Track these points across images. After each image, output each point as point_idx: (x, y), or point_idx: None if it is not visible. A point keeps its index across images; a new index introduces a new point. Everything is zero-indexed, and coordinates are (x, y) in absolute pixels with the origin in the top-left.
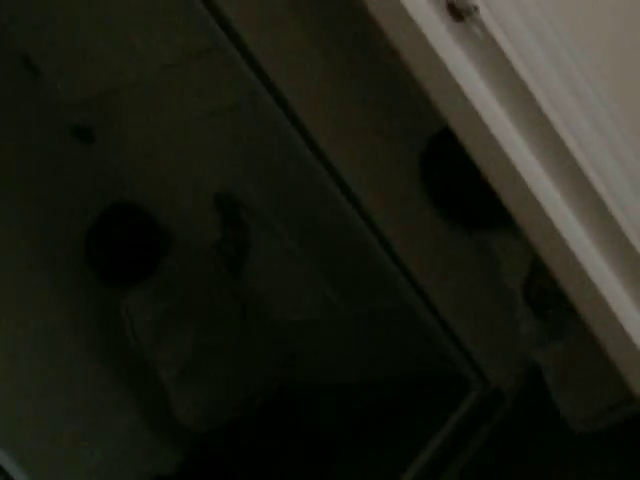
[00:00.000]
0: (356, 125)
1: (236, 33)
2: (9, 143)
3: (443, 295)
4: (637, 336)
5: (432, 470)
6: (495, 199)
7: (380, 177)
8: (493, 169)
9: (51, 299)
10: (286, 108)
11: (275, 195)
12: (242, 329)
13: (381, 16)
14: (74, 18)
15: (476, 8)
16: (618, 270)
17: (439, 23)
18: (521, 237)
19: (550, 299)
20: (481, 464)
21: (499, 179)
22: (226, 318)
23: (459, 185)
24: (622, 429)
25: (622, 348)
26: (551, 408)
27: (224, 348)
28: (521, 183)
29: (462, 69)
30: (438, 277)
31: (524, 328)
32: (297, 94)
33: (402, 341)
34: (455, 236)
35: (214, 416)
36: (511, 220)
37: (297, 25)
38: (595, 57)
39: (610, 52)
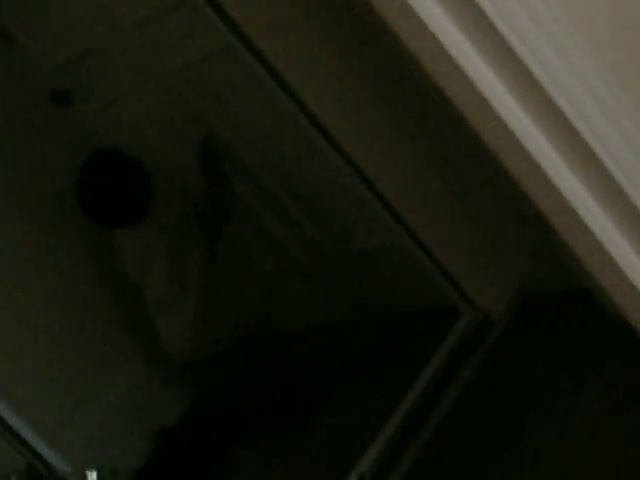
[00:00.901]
0: (334, 69)
1: None
2: None
3: (427, 228)
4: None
5: (426, 400)
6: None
7: (359, 118)
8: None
9: (50, 253)
10: (260, 56)
11: (257, 142)
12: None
13: None
14: None
15: None
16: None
17: None
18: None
19: None
20: (474, 391)
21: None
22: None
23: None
24: None
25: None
26: (541, 333)
27: (196, 285)
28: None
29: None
30: (421, 211)
31: None
32: (271, 42)
33: (390, 278)
34: (435, 170)
35: (194, 346)
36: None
37: None
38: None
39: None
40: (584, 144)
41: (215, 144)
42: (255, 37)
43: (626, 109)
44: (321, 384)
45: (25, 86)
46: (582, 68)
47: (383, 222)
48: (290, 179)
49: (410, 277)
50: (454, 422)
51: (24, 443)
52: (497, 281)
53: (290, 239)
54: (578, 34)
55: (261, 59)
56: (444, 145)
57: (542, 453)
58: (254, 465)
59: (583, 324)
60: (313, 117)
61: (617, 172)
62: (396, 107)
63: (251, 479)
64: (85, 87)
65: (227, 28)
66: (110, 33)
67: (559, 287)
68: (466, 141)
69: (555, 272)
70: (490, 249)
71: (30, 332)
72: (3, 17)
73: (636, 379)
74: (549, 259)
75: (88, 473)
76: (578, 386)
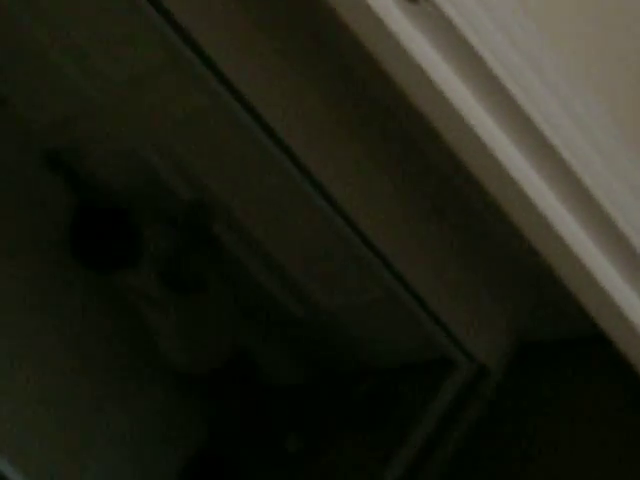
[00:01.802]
0: (329, 123)
1: (196, 43)
2: None
3: (422, 280)
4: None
5: (424, 451)
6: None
7: (352, 172)
8: (457, 142)
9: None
10: (249, 109)
11: (249, 199)
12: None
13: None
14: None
15: None
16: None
17: (394, 6)
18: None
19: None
20: (472, 442)
21: (460, 147)
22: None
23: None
24: None
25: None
26: (539, 380)
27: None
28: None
29: (418, 47)
30: (416, 264)
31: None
32: (259, 96)
33: (385, 331)
34: (429, 223)
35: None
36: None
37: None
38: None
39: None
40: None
41: (203, 206)
42: (247, 93)
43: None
44: (319, 436)
45: (17, 146)
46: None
47: (379, 275)
48: (285, 235)
49: (405, 329)
50: (453, 475)
51: None
52: (493, 331)
53: (286, 294)
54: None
55: (253, 115)
56: (441, 197)
57: None
58: None
59: (580, 371)
60: (308, 172)
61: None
62: (390, 158)
63: None
64: (79, 151)
65: (219, 84)
66: (102, 93)
67: (555, 335)
68: (463, 194)
69: (550, 321)
70: (485, 300)
71: (44, 368)
72: None
73: (636, 426)
74: (545, 308)
75: None
76: (577, 434)
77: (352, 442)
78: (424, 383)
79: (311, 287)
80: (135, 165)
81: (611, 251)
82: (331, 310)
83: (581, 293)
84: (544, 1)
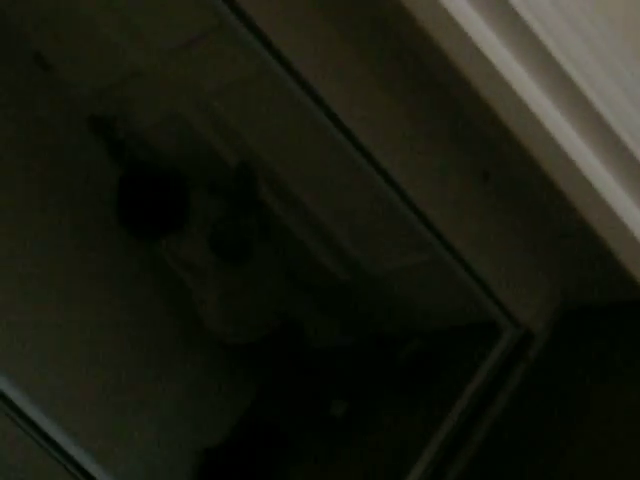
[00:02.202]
0: (374, 91)
1: (242, 9)
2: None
3: (467, 244)
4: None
5: (470, 416)
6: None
7: (397, 137)
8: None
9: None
10: (298, 77)
11: (296, 164)
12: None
13: None
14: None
15: None
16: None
17: None
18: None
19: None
20: (517, 406)
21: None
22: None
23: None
24: None
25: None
26: (583, 346)
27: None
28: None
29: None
30: (461, 227)
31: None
32: (305, 62)
33: (430, 295)
34: (475, 188)
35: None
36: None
37: None
38: None
39: None
40: None
41: (249, 171)
42: (293, 59)
43: None
44: (365, 400)
45: (63, 111)
46: None
47: (424, 240)
48: (331, 199)
49: (451, 294)
50: (498, 438)
51: (70, 460)
52: (538, 295)
53: (332, 259)
54: None
55: (300, 81)
56: (484, 161)
57: (588, 467)
58: None
59: (626, 335)
60: (355, 139)
61: None
62: (434, 123)
63: None
64: (124, 115)
65: (264, 50)
66: (146, 58)
67: (600, 300)
68: (507, 157)
69: (596, 285)
70: (530, 263)
71: (79, 350)
72: (39, 45)
73: None
74: (589, 272)
75: None
76: (622, 398)
77: (398, 406)
78: (469, 347)
79: (357, 251)
80: (181, 131)
81: None
82: (377, 274)
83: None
84: None
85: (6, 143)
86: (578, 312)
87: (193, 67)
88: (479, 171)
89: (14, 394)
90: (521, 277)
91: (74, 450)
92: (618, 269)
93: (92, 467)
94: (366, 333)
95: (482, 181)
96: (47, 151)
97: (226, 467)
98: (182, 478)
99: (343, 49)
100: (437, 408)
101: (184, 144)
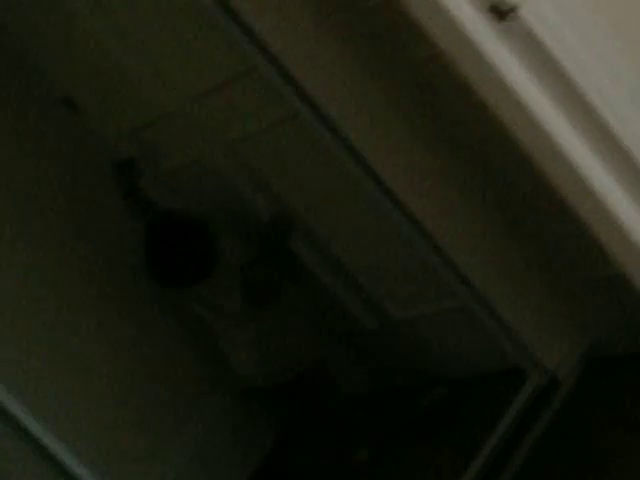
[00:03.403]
0: (401, 135)
1: (272, 53)
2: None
3: (494, 290)
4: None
5: (494, 464)
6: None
7: (427, 182)
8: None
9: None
10: (328, 122)
11: (324, 210)
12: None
13: (425, 20)
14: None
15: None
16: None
17: (483, 23)
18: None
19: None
20: (542, 454)
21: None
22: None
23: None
24: None
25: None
26: (609, 395)
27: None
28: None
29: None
30: (487, 273)
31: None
32: (340, 109)
33: (456, 341)
34: (502, 234)
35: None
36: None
37: (326, 35)
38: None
39: None
40: None
41: (286, 220)
42: (322, 103)
43: None
44: (388, 446)
45: (89, 154)
46: None
47: (450, 285)
48: (357, 245)
49: (476, 340)
50: None
51: None
52: (564, 343)
53: (357, 304)
54: None
55: (331, 127)
56: (515, 210)
57: None
58: None
59: None
60: (382, 183)
61: None
62: (465, 172)
63: None
64: (151, 158)
65: (295, 95)
66: (175, 102)
67: (625, 348)
68: (537, 206)
69: (622, 334)
70: (557, 310)
71: (98, 388)
72: (68, 86)
73: None
74: (616, 321)
75: None
76: None
77: (421, 453)
78: (493, 394)
79: (383, 297)
80: (207, 175)
81: None
82: (402, 320)
83: None
84: None
85: (32, 184)
86: (603, 360)
87: (222, 112)
88: (507, 218)
89: (35, 427)
90: (547, 324)
91: None
92: None
93: None
94: (390, 380)
95: (508, 228)
96: (73, 193)
97: None
98: None
99: (374, 93)
100: (460, 455)
101: (210, 189)
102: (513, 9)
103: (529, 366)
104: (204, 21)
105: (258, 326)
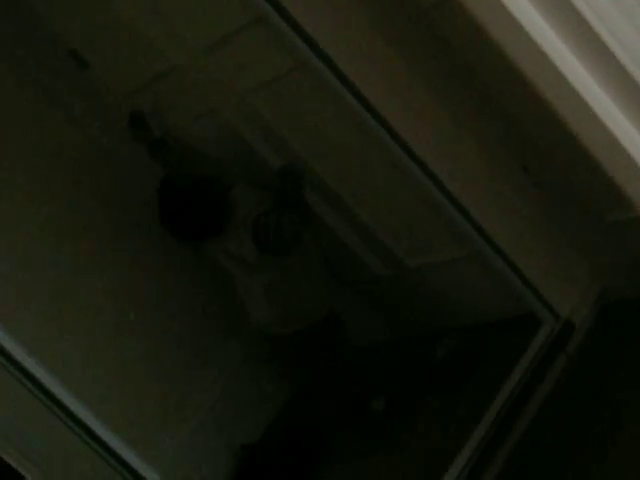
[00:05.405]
0: (411, 83)
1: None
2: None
3: (507, 237)
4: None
5: (510, 409)
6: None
7: (439, 134)
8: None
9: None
10: (337, 71)
11: (335, 159)
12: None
13: None
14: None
15: None
16: None
17: None
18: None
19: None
20: (557, 399)
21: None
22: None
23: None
24: None
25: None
26: (623, 338)
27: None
28: None
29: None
30: (500, 220)
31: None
32: (350, 59)
33: (470, 288)
34: (515, 180)
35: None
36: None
37: None
38: None
39: None
40: None
41: (295, 172)
42: (332, 52)
43: None
44: (404, 396)
45: (101, 108)
46: None
47: (463, 233)
48: (370, 195)
49: (490, 287)
50: (538, 431)
51: (116, 456)
52: (578, 287)
53: (371, 253)
54: None
55: (339, 75)
56: (527, 156)
57: (629, 460)
58: None
59: None
60: (395, 133)
61: None
62: (476, 119)
63: None
64: (160, 111)
65: (303, 44)
66: (183, 55)
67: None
68: (546, 148)
69: (636, 277)
70: (570, 256)
71: (123, 355)
72: (77, 43)
73: None
74: (630, 264)
75: None
76: None
77: (437, 403)
78: (507, 340)
79: (397, 246)
80: (218, 127)
81: None
82: (416, 268)
83: None
84: None
85: (40, 140)
86: (618, 304)
87: (230, 63)
88: (520, 165)
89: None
90: (561, 268)
91: (114, 443)
92: None
93: (131, 458)
94: (405, 329)
95: (523, 174)
96: (82, 149)
97: (262, 464)
98: (219, 471)
99: (380, 40)
100: (476, 403)
101: (221, 140)
102: None
103: (544, 312)
104: None
105: (272, 274)
